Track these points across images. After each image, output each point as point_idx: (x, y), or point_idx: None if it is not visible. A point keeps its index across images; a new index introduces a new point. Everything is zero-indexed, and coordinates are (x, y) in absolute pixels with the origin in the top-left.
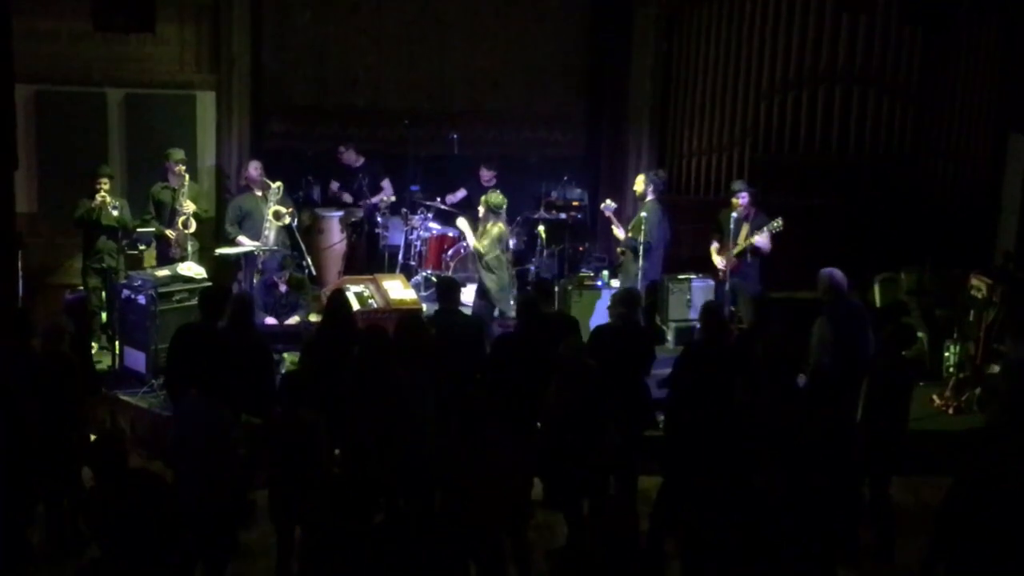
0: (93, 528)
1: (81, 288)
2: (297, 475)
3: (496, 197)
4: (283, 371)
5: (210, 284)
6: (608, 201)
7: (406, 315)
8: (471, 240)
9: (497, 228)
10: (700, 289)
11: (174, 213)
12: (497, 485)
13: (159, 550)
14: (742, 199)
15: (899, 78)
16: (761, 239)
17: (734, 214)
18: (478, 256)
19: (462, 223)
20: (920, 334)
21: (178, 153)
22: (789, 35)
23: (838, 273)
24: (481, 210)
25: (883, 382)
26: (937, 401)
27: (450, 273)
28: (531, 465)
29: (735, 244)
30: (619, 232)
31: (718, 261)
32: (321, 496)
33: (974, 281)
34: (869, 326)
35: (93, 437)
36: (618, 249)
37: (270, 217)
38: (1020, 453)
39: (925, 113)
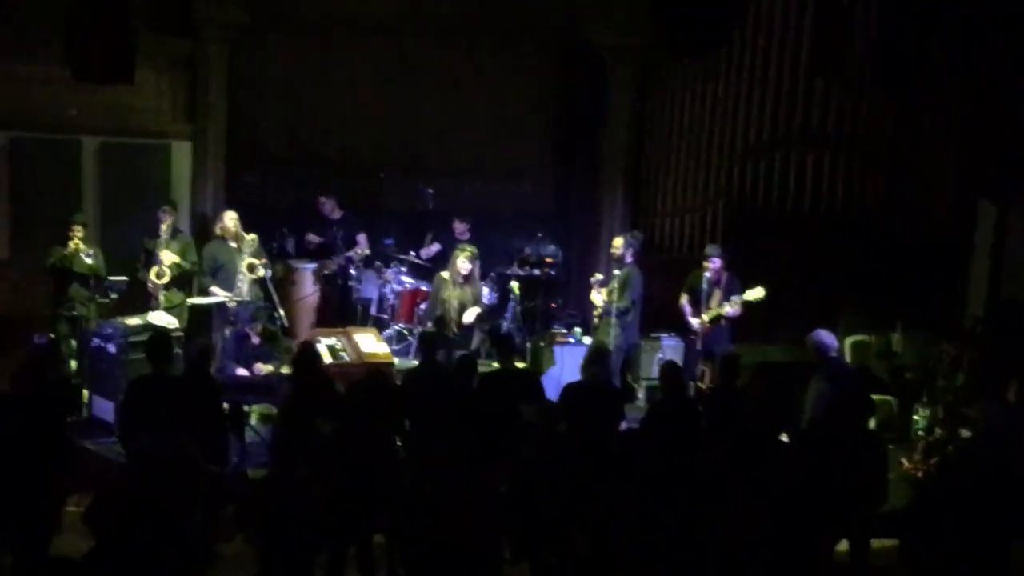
0: None
1: (50, 334)
2: (293, 533)
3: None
4: (253, 422)
5: (153, 334)
6: (597, 275)
7: (370, 374)
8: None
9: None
10: (671, 348)
11: (153, 262)
12: (463, 536)
13: None
14: (713, 264)
15: (870, 141)
16: (732, 309)
17: (707, 274)
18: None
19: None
20: (889, 398)
21: (167, 204)
22: (763, 97)
23: (824, 334)
24: (470, 266)
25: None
26: (906, 464)
27: (423, 328)
28: (497, 517)
29: (707, 308)
30: (598, 299)
31: (693, 323)
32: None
33: (944, 345)
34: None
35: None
36: (595, 313)
37: (244, 270)
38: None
39: (897, 177)
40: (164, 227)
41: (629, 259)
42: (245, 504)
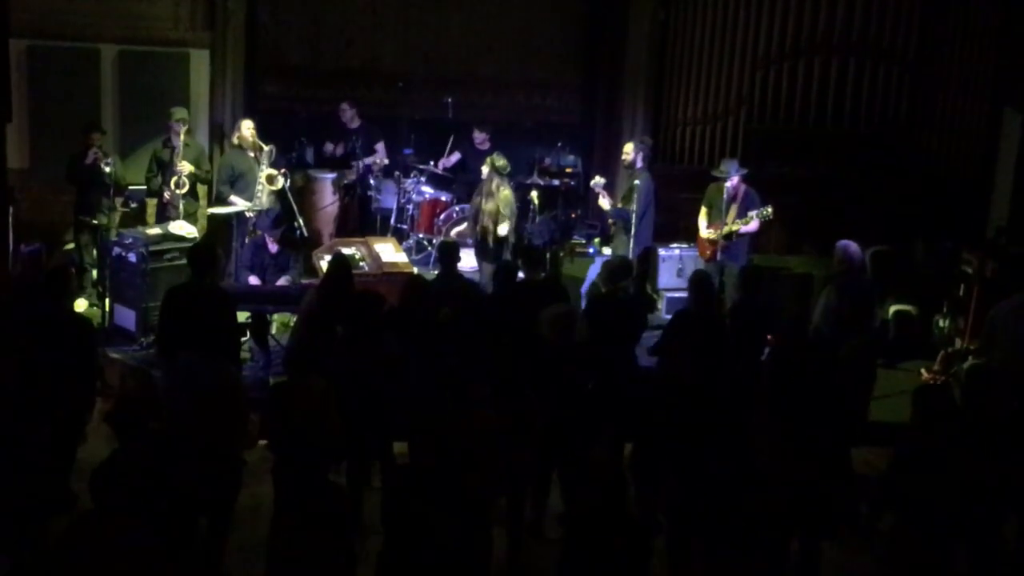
0: (109, 488)
1: (71, 246)
2: (303, 441)
3: (502, 160)
4: (272, 331)
5: (197, 242)
6: (597, 178)
7: (410, 283)
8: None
9: (509, 191)
10: (691, 258)
11: (171, 173)
12: (492, 449)
13: (175, 510)
14: (730, 183)
15: (896, 50)
16: (748, 227)
17: (728, 185)
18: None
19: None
20: (910, 307)
21: (179, 112)
22: (786, 4)
23: (853, 245)
24: (486, 170)
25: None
26: (925, 374)
27: (442, 237)
28: (529, 430)
29: (723, 224)
30: (605, 203)
31: (703, 234)
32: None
33: (966, 255)
34: (876, 302)
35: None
36: (609, 220)
37: (263, 181)
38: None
39: (921, 86)
40: (182, 137)
41: (640, 164)
42: (266, 412)
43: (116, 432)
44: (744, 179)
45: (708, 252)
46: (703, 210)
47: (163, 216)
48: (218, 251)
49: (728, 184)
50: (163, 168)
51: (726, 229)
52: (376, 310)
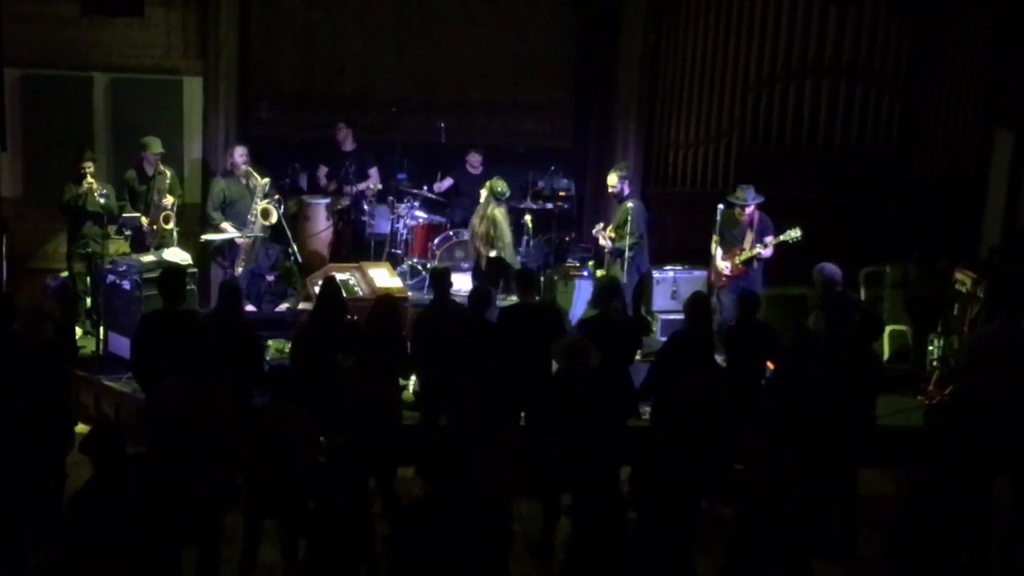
0: (92, 518)
1: (65, 273)
2: (277, 468)
3: (501, 184)
4: (268, 358)
5: (165, 269)
6: (599, 225)
7: (381, 301)
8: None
9: (500, 214)
10: (685, 280)
11: (149, 204)
12: (487, 473)
13: (156, 537)
14: (747, 210)
15: (887, 72)
16: (767, 251)
17: (745, 212)
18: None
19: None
20: (904, 328)
21: (155, 146)
22: (778, 27)
23: (828, 266)
24: (484, 194)
25: (849, 374)
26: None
27: (436, 262)
28: (516, 454)
29: (741, 251)
30: (607, 243)
31: (722, 267)
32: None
33: (959, 275)
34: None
35: (80, 426)
36: (606, 255)
37: (258, 213)
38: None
39: (913, 107)
40: (163, 169)
41: (627, 192)
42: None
43: (91, 461)
44: (758, 206)
45: (724, 280)
46: (715, 238)
47: (139, 246)
48: (184, 276)
49: (746, 210)
50: (135, 197)
51: (745, 255)
52: (391, 340)
